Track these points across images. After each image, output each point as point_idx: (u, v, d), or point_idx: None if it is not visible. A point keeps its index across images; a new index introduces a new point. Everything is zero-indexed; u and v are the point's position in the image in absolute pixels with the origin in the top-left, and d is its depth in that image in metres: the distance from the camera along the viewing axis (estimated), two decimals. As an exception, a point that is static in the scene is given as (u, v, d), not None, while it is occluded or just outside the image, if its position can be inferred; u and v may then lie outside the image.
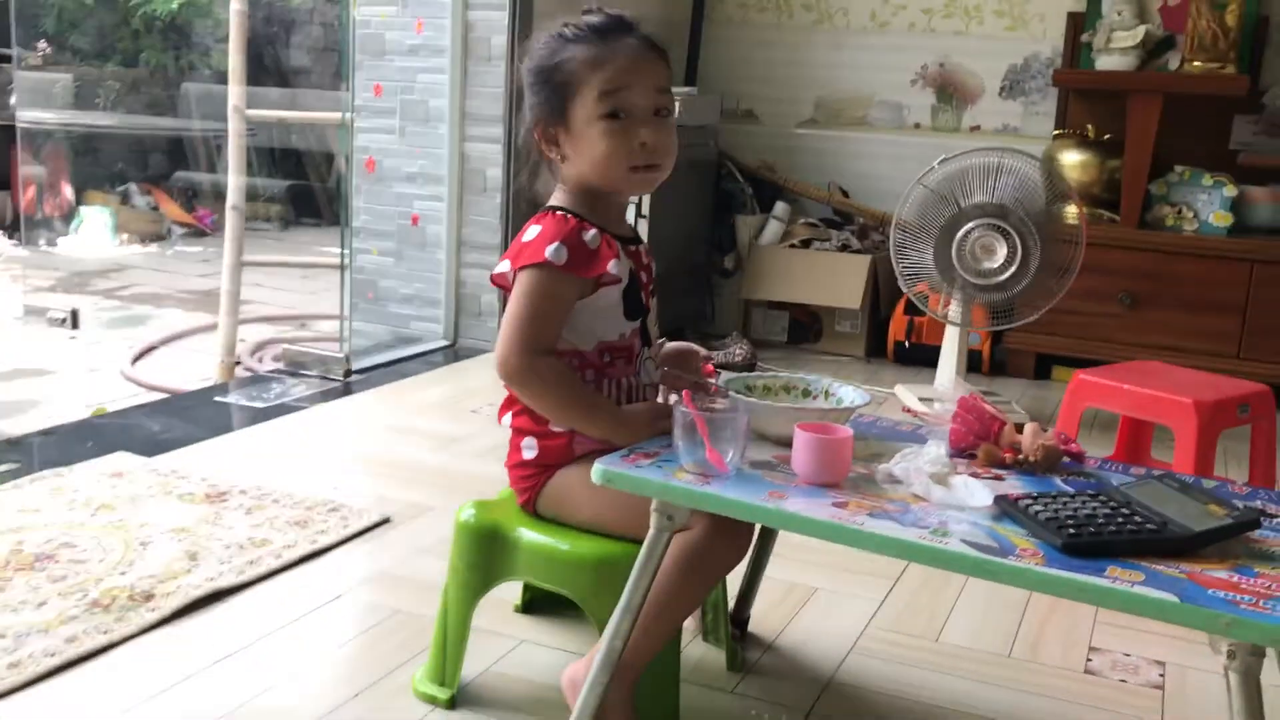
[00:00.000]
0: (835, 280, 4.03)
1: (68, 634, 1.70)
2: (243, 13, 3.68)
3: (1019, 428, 1.50)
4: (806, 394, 1.60)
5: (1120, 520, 1.23)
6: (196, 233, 6.75)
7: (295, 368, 3.37)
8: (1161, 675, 1.83)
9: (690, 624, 1.76)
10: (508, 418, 1.59)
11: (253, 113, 3.73)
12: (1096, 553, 1.17)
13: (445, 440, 2.82)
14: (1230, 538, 1.22)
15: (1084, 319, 3.67)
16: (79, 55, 6.80)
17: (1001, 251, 3.11)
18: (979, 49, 4.27)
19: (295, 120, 6.64)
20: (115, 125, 6.82)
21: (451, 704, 1.59)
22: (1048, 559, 1.16)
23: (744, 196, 4.39)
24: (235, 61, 3.69)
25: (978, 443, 1.48)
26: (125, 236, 6.37)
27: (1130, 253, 3.65)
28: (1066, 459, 1.47)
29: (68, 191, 6.41)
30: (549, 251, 1.46)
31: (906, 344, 3.95)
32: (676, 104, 1.58)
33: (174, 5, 6.54)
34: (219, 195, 6.89)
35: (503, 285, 1.54)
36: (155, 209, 6.73)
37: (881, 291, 4.08)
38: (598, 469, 1.35)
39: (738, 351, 3.72)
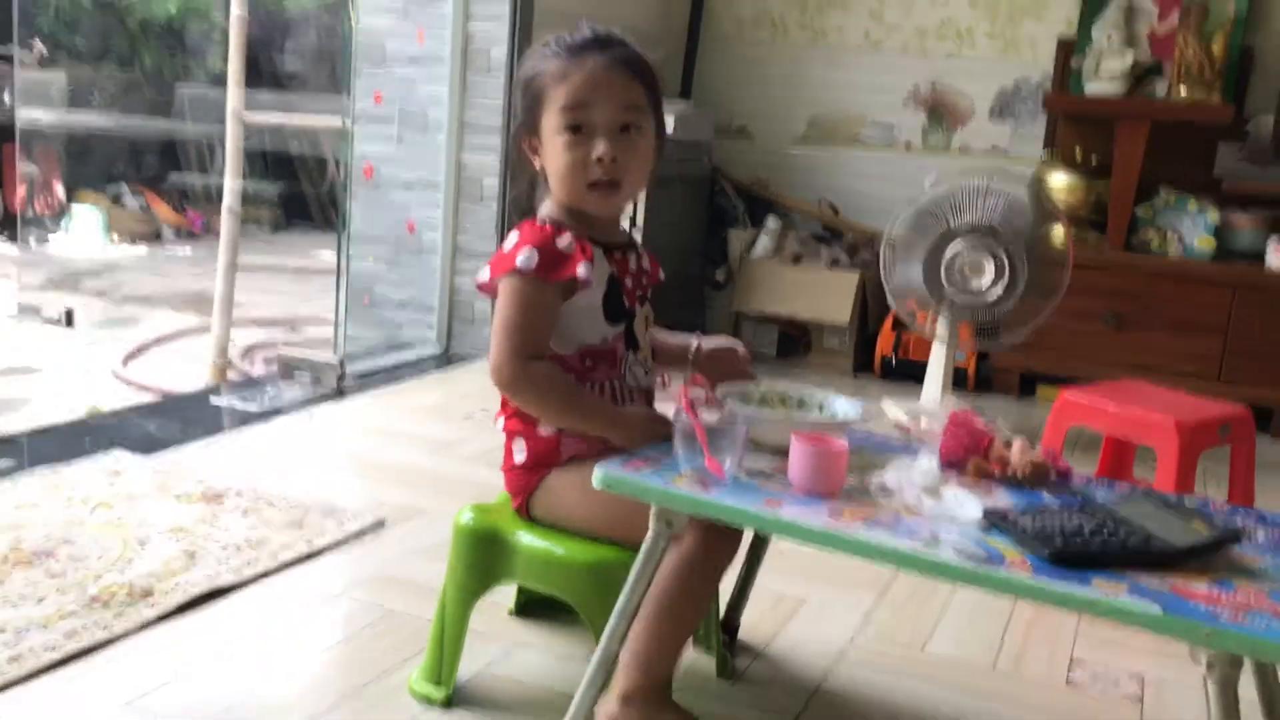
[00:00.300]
0: (825, 295, 4.07)
1: (67, 629, 1.72)
2: (243, 18, 3.71)
3: (1008, 443, 1.54)
4: (801, 405, 1.63)
5: (1106, 534, 1.26)
6: (187, 234, 6.77)
7: (289, 371, 3.39)
8: (1141, 688, 1.87)
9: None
10: (501, 420, 1.62)
11: (251, 117, 3.76)
12: (1083, 564, 1.21)
13: (438, 445, 2.84)
14: (1211, 553, 1.26)
15: (1069, 338, 3.73)
16: (75, 56, 6.82)
17: (990, 271, 3.16)
18: (970, 71, 4.33)
19: (294, 125, 6.66)
20: (109, 126, 6.84)
21: (447, 703, 1.62)
22: (1036, 569, 1.20)
23: (736, 211, 4.44)
24: (235, 66, 3.71)
25: (967, 456, 1.51)
26: (116, 236, 6.37)
27: (1115, 274, 3.71)
28: (1054, 475, 1.51)
29: (59, 190, 6.42)
30: (519, 259, 1.50)
31: (893, 360, 3.99)
32: (652, 121, 1.57)
33: (171, 8, 6.56)
34: (210, 197, 6.92)
35: (487, 292, 1.57)
36: (146, 210, 6.74)
37: (870, 307, 4.13)
38: (598, 474, 1.38)
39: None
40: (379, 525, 2.27)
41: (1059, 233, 3.22)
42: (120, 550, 2.01)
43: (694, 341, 1.72)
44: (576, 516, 1.56)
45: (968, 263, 3.18)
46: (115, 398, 3.28)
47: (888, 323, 4.01)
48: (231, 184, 3.76)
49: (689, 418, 1.37)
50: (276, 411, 3.02)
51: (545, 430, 1.57)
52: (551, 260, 1.51)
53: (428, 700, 1.62)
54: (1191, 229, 3.73)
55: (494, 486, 1.67)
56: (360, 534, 2.22)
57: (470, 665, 1.71)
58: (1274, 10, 3.89)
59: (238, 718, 1.56)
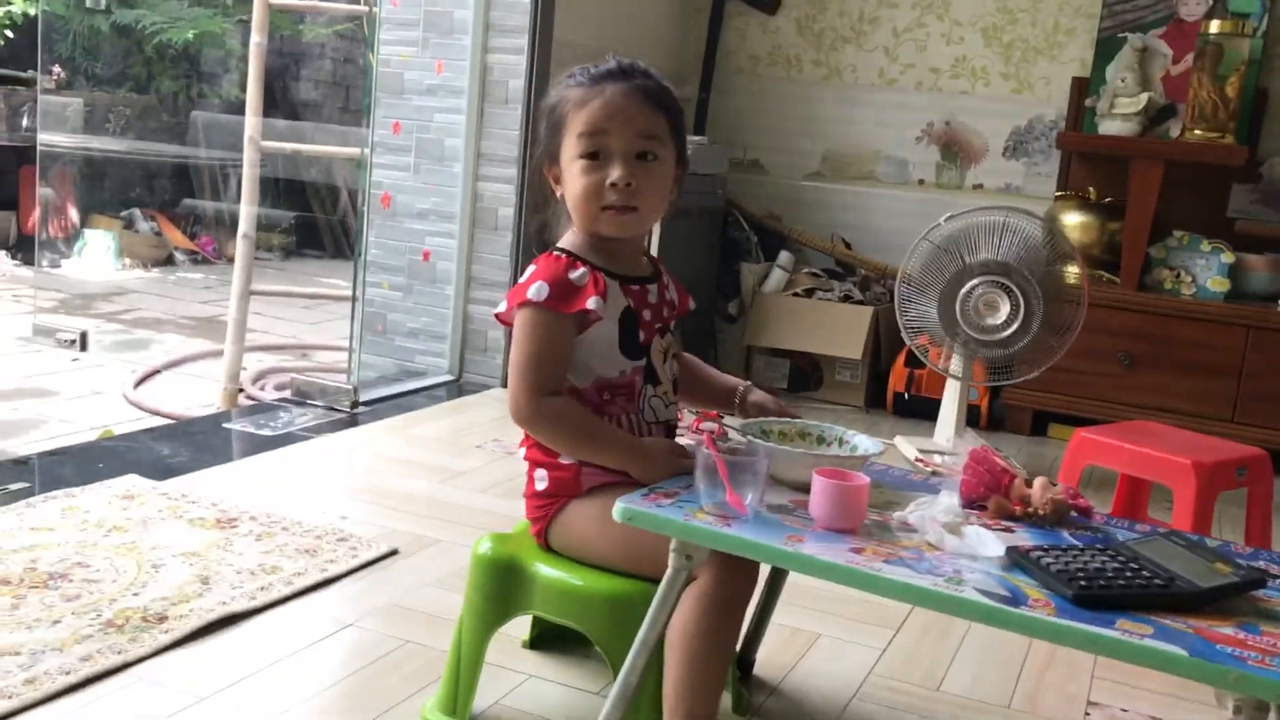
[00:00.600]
0: (837, 330, 4.08)
1: (82, 653, 1.72)
2: (261, 45, 3.74)
3: (1028, 481, 1.54)
4: (821, 441, 1.63)
5: (1129, 574, 1.26)
6: (199, 259, 6.79)
7: (302, 397, 3.39)
8: (1158, 731, 1.85)
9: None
10: (525, 449, 1.62)
11: (268, 144, 3.78)
12: (1106, 605, 1.21)
13: (450, 474, 2.84)
14: (1236, 595, 1.26)
15: (1082, 377, 3.72)
16: (92, 80, 6.87)
17: (1004, 308, 3.16)
18: (984, 109, 4.35)
19: (311, 153, 6.70)
20: (124, 150, 6.88)
21: (462, 734, 1.61)
22: (1059, 609, 1.20)
23: (749, 244, 4.45)
24: (253, 93, 3.73)
25: (988, 494, 1.51)
26: (128, 261, 6.40)
27: (1129, 314, 3.71)
28: (1074, 514, 1.51)
29: (73, 214, 6.45)
30: (531, 291, 1.51)
31: (906, 396, 3.99)
32: (671, 150, 1.58)
33: (189, 35, 6.61)
34: (222, 223, 6.95)
35: (504, 323, 1.58)
36: (159, 234, 6.77)
37: (883, 343, 4.13)
38: (619, 507, 1.38)
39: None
40: (392, 554, 2.27)
41: (1073, 271, 3.23)
42: (134, 574, 2.01)
43: (741, 387, 1.73)
44: (594, 547, 1.56)
45: (983, 300, 3.18)
46: (128, 421, 3.29)
47: (900, 359, 4.02)
48: (247, 210, 3.78)
49: (710, 452, 1.37)
50: (289, 437, 3.02)
51: (566, 460, 1.57)
52: (563, 292, 1.51)
53: (442, 731, 1.62)
54: (1205, 270, 3.74)
55: (506, 517, 1.68)
56: (374, 562, 2.21)
57: (485, 697, 1.70)
58: (1288, 53, 3.92)
59: (252, 746, 1.55)
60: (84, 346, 4.15)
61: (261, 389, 3.84)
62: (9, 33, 6.32)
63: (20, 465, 2.63)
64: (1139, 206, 3.70)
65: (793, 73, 4.61)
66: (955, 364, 3.35)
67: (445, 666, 1.65)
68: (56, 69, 6.55)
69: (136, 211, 6.81)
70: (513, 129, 3.69)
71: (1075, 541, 1.42)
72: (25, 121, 6.27)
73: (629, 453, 1.53)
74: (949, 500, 1.45)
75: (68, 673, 1.66)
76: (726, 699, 1.78)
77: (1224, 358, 3.63)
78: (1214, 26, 3.66)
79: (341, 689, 1.74)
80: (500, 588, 1.59)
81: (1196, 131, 3.69)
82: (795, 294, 4.22)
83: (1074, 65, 4.19)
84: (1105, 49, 3.98)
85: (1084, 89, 4.05)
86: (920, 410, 3.91)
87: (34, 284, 5.39)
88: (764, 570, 1.56)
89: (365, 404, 3.41)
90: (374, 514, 2.50)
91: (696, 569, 1.40)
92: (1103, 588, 1.23)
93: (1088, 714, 1.89)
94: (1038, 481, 1.53)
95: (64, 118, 6.56)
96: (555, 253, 1.57)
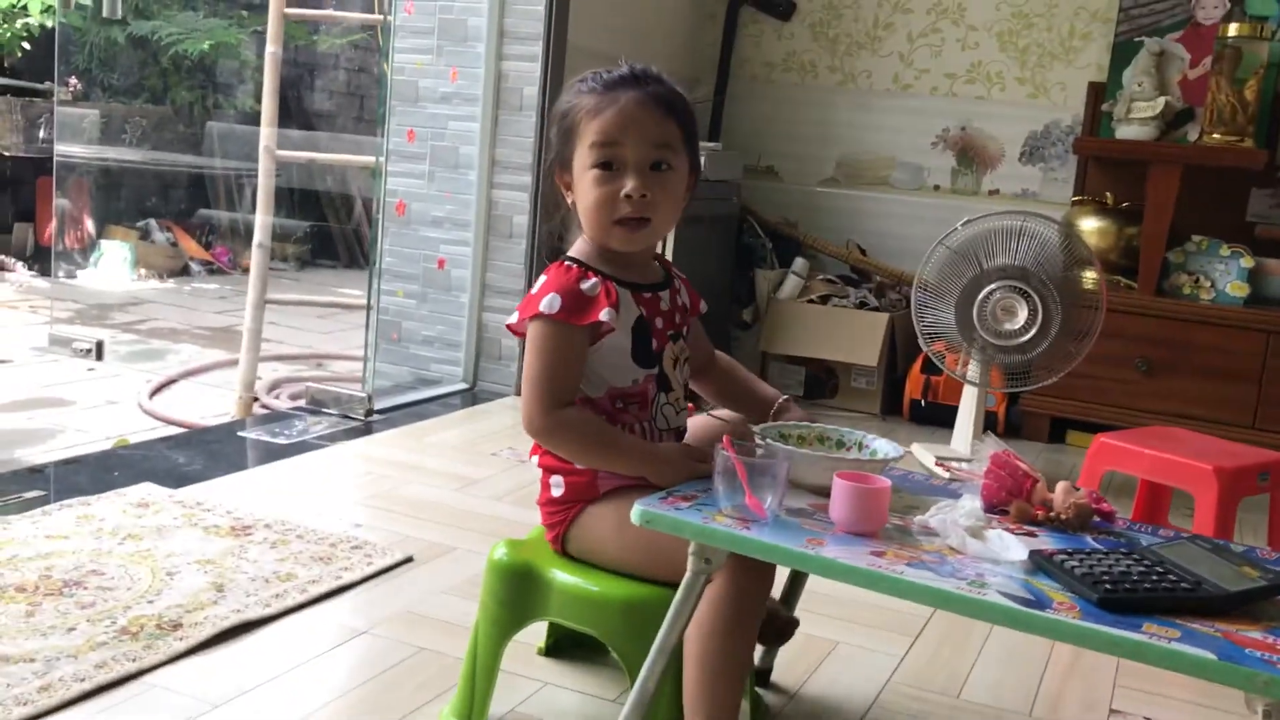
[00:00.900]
0: (853, 337, 4.06)
1: (97, 660, 1.71)
2: (276, 55, 3.74)
3: (1050, 486, 1.52)
4: (840, 445, 1.62)
5: (1155, 578, 1.24)
6: (214, 270, 6.81)
7: (317, 406, 3.39)
8: (1183, 739, 1.83)
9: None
10: (537, 457, 1.61)
11: (283, 154, 3.79)
12: (1132, 609, 1.19)
13: (465, 482, 2.83)
14: (1264, 599, 1.24)
15: (1100, 384, 3.70)
16: (108, 91, 6.90)
17: (1022, 313, 3.14)
18: (1000, 115, 4.33)
19: (326, 162, 6.72)
20: (139, 161, 6.90)
21: (478, 742, 1.60)
22: (1083, 613, 1.18)
23: (764, 251, 4.44)
24: (268, 103, 3.74)
25: (1009, 499, 1.49)
26: (144, 271, 6.42)
27: (1147, 319, 3.68)
28: (1097, 518, 1.49)
29: (89, 225, 6.47)
30: (543, 304, 1.50)
31: (923, 403, 3.97)
32: (685, 159, 1.57)
33: (205, 46, 6.64)
34: (237, 233, 6.97)
35: (516, 334, 1.57)
36: (174, 245, 6.79)
37: (899, 349, 4.11)
38: (637, 510, 1.37)
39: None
40: (407, 561, 2.26)
41: (1091, 276, 3.20)
42: (149, 582, 2.01)
43: (779, 400, 1.72)
44: (611, 551, 1.54)
45: (1000, 305, 3.16)
46: (143, 430, 3.29)
47: (917, 365, 3.99)
48: (262, 220, 3.78)
49: (730, 455, 1.36)
50: (304, 445, 3.02)
51: (570, 463, 1.56)
52: (575, 303, 1.50)
53: (458, 738, 1.60)
54: (1224, 274, 3.71)
55: (520, 525, 1.67)
56: (388, 570, 2.20)
57: (500, 705, 1.69)
58: (1306, 57, 3.88)
59: (266, 753, 1.54)
60: (100, 356, 4.15)
61: (276, 398, 3.84)
62: (26, 45, 6.35)
63: (36, 474, 2.63)
64: (1157, 211, 3.68)
65: (807, 79, 4.60)
66: (973, 370, 3.33)
67: (460, 674, 1.63)
68: (73, 80, 6.58)
69: (152, 222, 6.83)
70: (527, 136, 3.69)
71: (1099, 546, 1.40)
72: (42, 133, 6.30)
73: (644, 459, 1.51)
74: (971, 504, 1.43)
75: (82, 680, 1.65)
76: (745, 707, 1.76)
77: (1244, 363, 3.59)
78: (1232, 29, 3.63)
79: (356, 696, 1.72)
80: (516, 594, 1.58)
81: (1215, 135, 3.66)
82: (810, 301, 4.20)
83: (1090, 70, 4.17)
84: (1122, 53, 3.96)
85: (1100, 94, 4.03)
86: (937, 417, 3.89)
87: (50, 294, 5.41)
88: (781, 577, 1.55)
89: (380, 412, 3.40)
90: (388, 521, 2.49)
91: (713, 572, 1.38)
92: (1128, 591, 1.21)
93: (1111, 722, 1.87)
94: (1060, 486, 1.51)
95: (80, 129, 6.59)
96: (566, 262, 1.56)
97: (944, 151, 4.43)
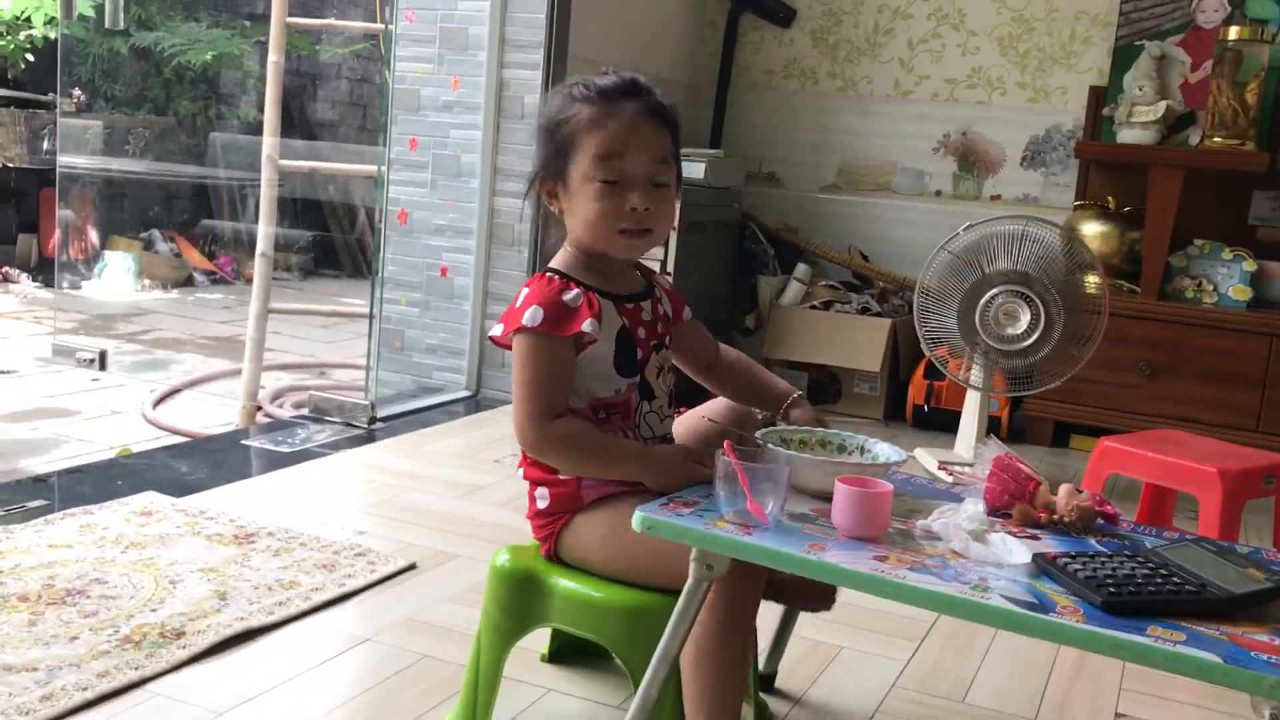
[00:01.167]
0: (855, 342, 4.05)
1: (99, 669, 1.71)
2: (279, 65, 3.75)
3: (1053, 489, 1.52)
4: (842, 449, 1.61)
5: (1159, 581, 1.23)
6: (218, 280, 6.82)
7: (320, 414, 3.39)
8: (1189, 743, 1.82)
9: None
10: (523, 469, 1.61)
11: (286, 163, 3.79)
12: (1137, 612, 1.18)
13: (467, 489, 2.83)
14: (1270, 601, 1.23)
15: (1103, 388, 3.69)
16: (112, 103, 6.92)
17: (1025, 318, 3.14)
18: (1001, 119, 4.33)
19: (329, 172, 6.73)
20: (143, 172, 6.92)
21: (481, 749, 1.59)
22: (1088, 616, 1.17)
23: (766, 257, 4.44)
24: (270, 113, 3.75)
25: (1012, 502, 1.49)
26: (147, 282, 6.43)
27: (1150, 323, 3.68)
28: (1100, 520, 1.49)
29: (93, 235, 6.49)
30: (525, 317, 1.49)
31: (926, 408, 3.96)
32: (675, 170, 1.57)
33: (208, 56, 6.66)
34: (240, 243, 6.98)
35: (502, 346, 1.56)
36: (178, 255, 6.80)
37: (901, 355, 4.11)
38: (638, 516, 1.36)
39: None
40: (410, 569, 2.26)
41: (1093, 280, 3.20)
42: (152, 590, 2.00)
43: (790, 396, 1.70)
44: (601, 558, 1.54)
45: (1003, 309, 3.16)
46: (147, 439, 3.29)
47: (919, 371, 3.99)
48: (265, 229, 3.79)
49: (731, 460, 1.35)
50: (307, 454, 3.02)
51: (565, 474, 1.55)
52: (557, 315, 1.49)
53: (461, 746, 1.60)
54: (1227, 278, 3.71)
55: (524, 532, 1.66)
56: (391, 577, 2.20)
57: (503, 711, 1.68)
58: (1307, 60, 3.88)
59: (269, 761, 1.54)
60: (103, 366, 4.16)
61: (279, 406, 3.84)
62: (30, 56, 6.37)
63: (40, 483, 2.63)
64: (1159, 215, 3.67)
65: (808, 85, 4.60)
66: (975, 375, 3.33)
67: (464, 681, 1.63)
68: (76, 92, 6.60)
69: (156, 232, 6.85)
70: (528, 144, 3.69)
71: (1102, 548, 1.39)
72: (46, 144, 6.32)
73: (641, 463, 1.51)
74: (973, 507, 1.42)
75: (85, 689, 1.65)
76: (749, 712, 1.76)
77: (1247, 367, 3.59)
78: (1233, 33, 3.63)
79: (359, 704, 1.72)
80: (518, 600, 1.58)
81: (1216, 139, 3.66)
82: (812, 306, 4.20)
83: (1091, 74, 4.17)
84: (1122, 57, 3.96)
85: (1101, 98, 4.03)
86: (940, 422, 3.88)
87: (54, 305, 5.42)
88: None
89: (383, 420, 3.40)
90: (391, 529, 2.49)
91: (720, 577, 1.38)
92: (1133, 594, 1.20)
93: (1116, 726, 1.86)
94: (1063, 489, 1.50)
95: (84, 140, 6.61)
96: (547, 274, 1.55)
97: (945, 157, 4.43)
